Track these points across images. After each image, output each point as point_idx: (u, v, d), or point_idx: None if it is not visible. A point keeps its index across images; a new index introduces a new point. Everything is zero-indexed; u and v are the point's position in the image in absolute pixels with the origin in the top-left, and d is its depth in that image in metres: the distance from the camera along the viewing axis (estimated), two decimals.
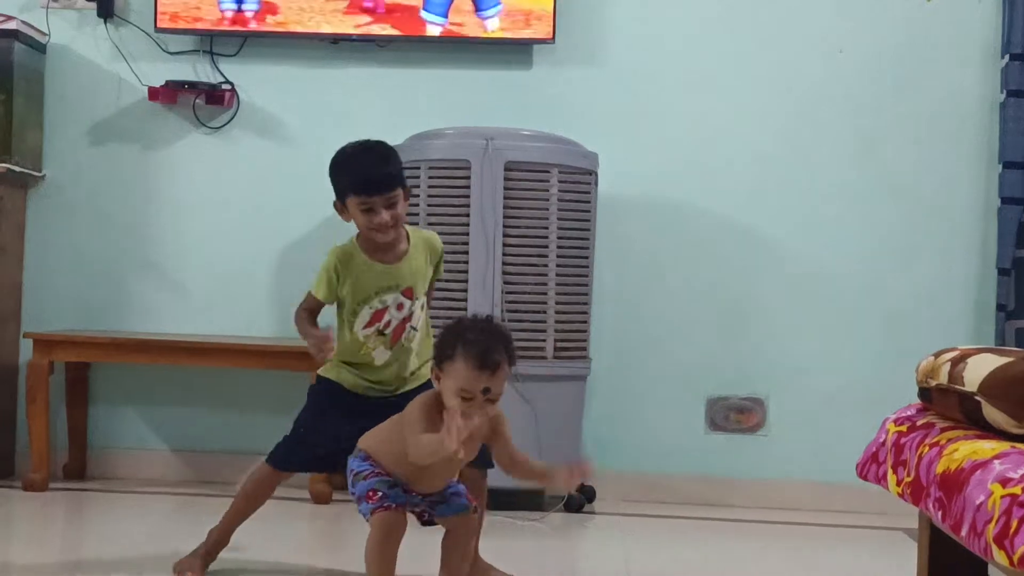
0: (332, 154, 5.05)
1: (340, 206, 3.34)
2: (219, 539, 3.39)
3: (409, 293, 3.34)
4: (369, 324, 3.32)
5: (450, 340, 2.86)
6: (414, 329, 3.36)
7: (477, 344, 2.83)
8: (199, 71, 5.09)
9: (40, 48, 5.01)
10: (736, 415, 5.00)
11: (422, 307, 3.39)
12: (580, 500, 4.66)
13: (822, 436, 4.93)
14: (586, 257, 4.67)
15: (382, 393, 3.36)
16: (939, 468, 1.52)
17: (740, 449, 4.99)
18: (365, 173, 3.29)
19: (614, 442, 4.98)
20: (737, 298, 5.01)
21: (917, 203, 4.99)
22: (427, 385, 3.27)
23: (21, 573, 3.53)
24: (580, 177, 4.64)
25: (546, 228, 4.56)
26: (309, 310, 3.37)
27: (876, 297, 4.98)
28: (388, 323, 3.32)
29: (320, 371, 3.41)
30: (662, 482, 4.97)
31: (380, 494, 2.98)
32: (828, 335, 4.98)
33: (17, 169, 4.84)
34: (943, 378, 1.66)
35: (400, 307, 3.33)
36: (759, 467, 4.97)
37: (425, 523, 3.08)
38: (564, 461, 4.44)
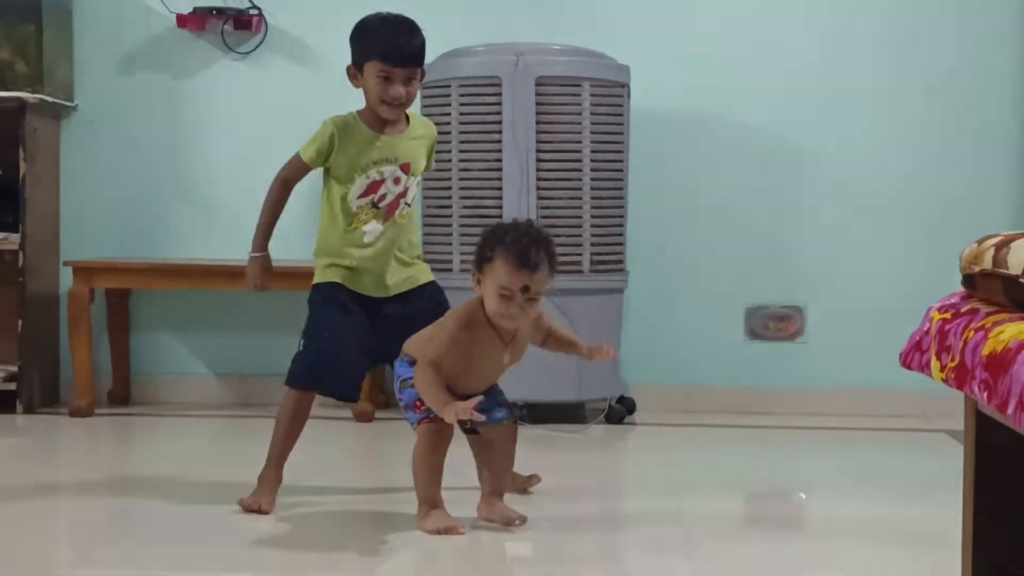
0: None
1: (354, 71, 3.28)
2: (274, 474, 3.29)
3: (407, 168, 3.30)
4: (364, 194, 3.27)
5: (490, 242, 2.89)
6: (408, 206, 3.32)
7: (517, 244, 2.86)
8: None
9: None
10: (775, 323, 5.00)
11: (417, 186, 3.35)
12: (620, 412, 4.68)
13: (861, 342, 4.93)
14: (620, 170, 4.66)
15: (376, 290, 3.30)
16: (985, 350, 1.52)
17: (779, 357, 4.99)
18: (396, 41, 3.25)
19: (653, 354, 4.99)
20: (774, 206, 5.00)
21: (953, 104, 4.95)
22: (426, 288, 3.34)
23: (73, 496, 3.58)
24: (612, 90, 4.62)
25: (579, 143, 4.54)
26: (285, 180, 3.32)
27: (914, 201, 4.95)
28: (383, 196, 3.27)
29: (313, 280, 3.33)
30: (702, 393, 4.98)
31: (427, 405, 3.00)
32: (866, 241, 4.97)
33: (50, 100, 4.85)
34: (987, 263, 1.66)
35: (397, 181, 3.28)
36: (799, 375, 4.98)
37: (468, 431, 3.10)
38: (601, 372, 4.50)
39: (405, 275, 3.36)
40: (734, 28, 4.99)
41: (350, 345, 3.26)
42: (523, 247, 2.86)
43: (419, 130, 3.37)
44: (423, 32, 3.32)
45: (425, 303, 3.33)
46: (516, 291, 2.86)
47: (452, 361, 2.95)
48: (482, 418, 2.90)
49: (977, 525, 1.78)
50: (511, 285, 2.86)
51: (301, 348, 3.30)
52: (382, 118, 3.29)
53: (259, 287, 3.37)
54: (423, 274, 3.40)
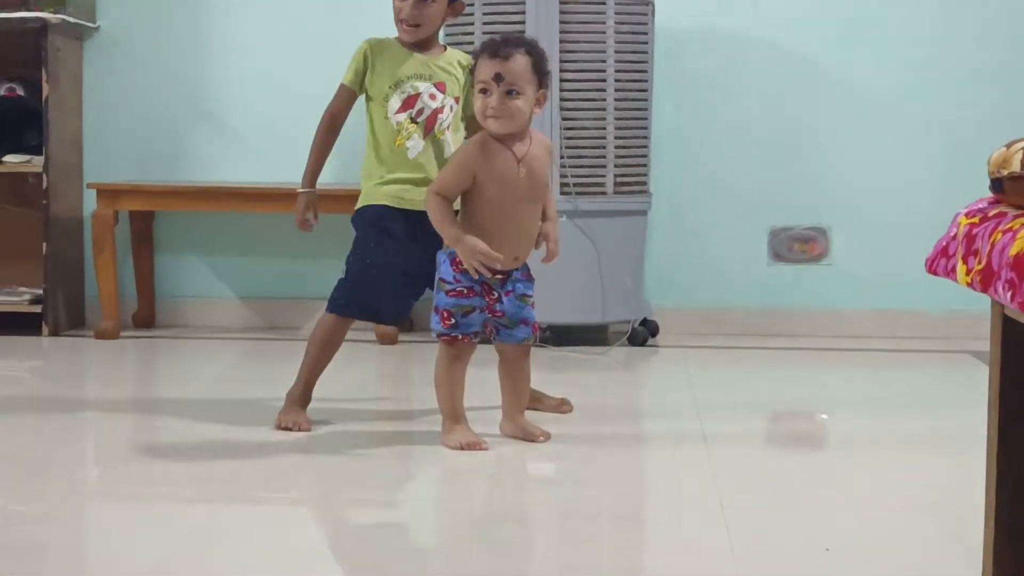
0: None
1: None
2: (303, 395, 3.32)
3: (441, 87, 3.30)
4: (402, 109, 3.27)
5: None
6: (447, 123, 3.31)
7: (491, 41, 3.03)
8: None
9: None
10: (799, 245, 4.98)
11: (454, 111, 3.32)
12: (643, 334, 4.67)
13: (886, 263, 4.91)
14: (644, 90, 4.62)
15: (423, 204, 3.23)
16: (1012, 251, 1.51)
17: (804, 279, 4.98)
18: None
19: (676, 277, 4.98)
20: (798, 127, 4.96)
21: (980, 24, 4.89)
22: None
23: (99, 416, 3.61)
24: (637, 8, 4.57)
25: (603, 61, 4.51)
26: (333, 116, 3.33)
27: (940, 123, 4.91)
28: (421, 111, 3.27)
29: (358, 204, 3.33)
30: (725, 315, 4.98)
31: (452, 321, 3.01)
32: (891, 162, 4.93)
33: (72, 20, 4.83)
34: (1016, 166, 1.64)
35: (432, 97, 3.28)
36: (823, 297, 4.97)
37: (483, 342, 3.12)
38: (624, 294, 4.50)
39: None
40: None
41: (395, 272, 3.25)
42: (495, 41, 3.02)
43: (455, 59, 3.36)
44: None
45: None
46: (490, 81, 2.96)
47: (481, 211, 3.00)
48: (492, 270, 2.98)
49: (1003, 428, 1.78)
50: (483, 75, 2.97)
51: (344, 275, 3.31)
52: (416, 43, 3.30)
53: (303, 224, 3.36)
54: None
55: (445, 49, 3.38)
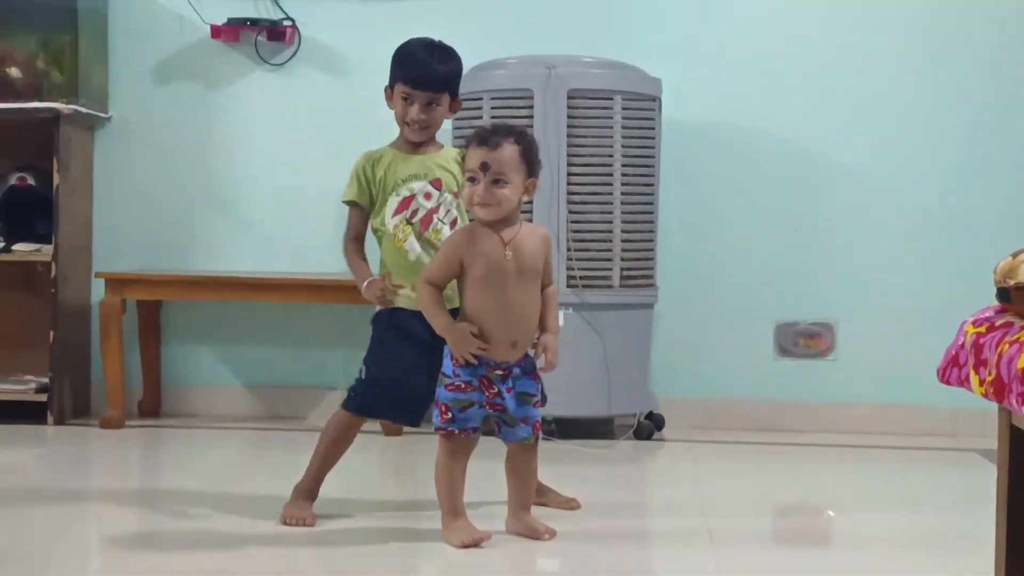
0: None
1: (388, 92, 3.35)
2: (311, 490, 3.31)
3: (438, 184, 3.31)
4: (397, 211, 3.29)
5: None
6: (442, 222, 3.31)
7: (481, 129, 3.05)
8: (260, 8, 5.10)
9: None
10: (805, 340, 4.98)
11: (452, 205, 3.32)
12: (649, 428, 4.66)
13: (893, 358, 4.90)
14: (651, 184, 4.65)
15: None
16: (1021, 363, 1.51)
17: (810, 374, 4.97)
18: (419, 65, 3.31)
19: (682, 369, 4.97)
20: (804, 221, 4.98)
21: (984, 118, 4.92)
22: None
23: (102, 507, 3.59)
24: (644, 103, 4.61)
25: (610, 155, 4.54)
26: (355, 238, 3.33)
27: (945, 216, 4.92)
28: (415, 212, 3.28)
29: (377, 307, 3.33)
30: (731, 409, 4.96)
31: (450, 415, 3.01)
32: (897, 256, 4.94)
33: (84, 110, 4.88)
34: (1022, 276, 1.64)
35: (428, 196, 3.29)
36: (829, 391, 4.95)
37: (486, 433, 3.10)
38: (630, 387, 4.49)
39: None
40: (765, 43, 4.98)
41: (414, 373, 3.23)
42: (485, 130, 3.04)
43: (451, 155, 3.37)
44: (458, 61, 3.37)
45: None
46: (477, 169, 2.98)
47: (473, 296, 3.01)
48: (479, 354, 2.99)
49: (1011, 538, 1.77)
50: (471, 163, 3.00)
51: (362, 375, 3.30)
52: (412, 143, 3.34)
53: (383, 298, 3.25)
54: None
55: (442, 147, 3.40)
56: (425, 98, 3.28)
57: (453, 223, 3.31)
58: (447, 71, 3.33)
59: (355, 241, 3.35)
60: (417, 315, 3.20)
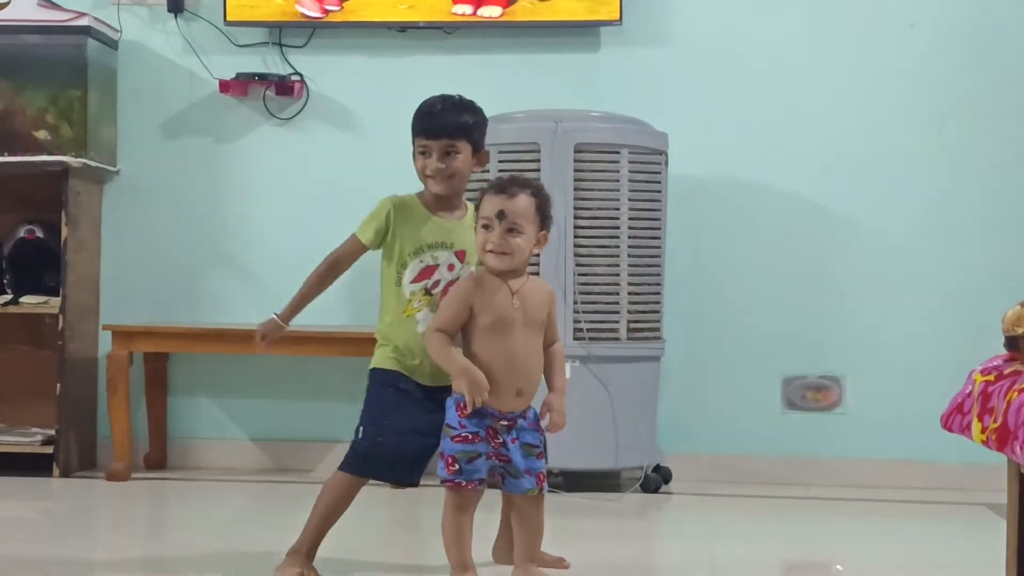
0: (401, 142, 5.07)
1: (414, 152, 3.27)
2: (309, 552, 3.23)
3: (462, 255, 3.23)
4: (417, 279, 3.20)
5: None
6: None
7: (498, 180, 3.08)
8: (268, 63, 5.13)
9: (112, 44, 5.07)
10: (812, 394, 4.97)
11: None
12: (656, 481, 4.65)
13: (901, 413, 4.89)
14: (658, 238, 4.66)
15: (433, 379, 3.20)
16: None
17: (817, 428, 4.96)
18: (430, 115, 3.24)
19: (689, 423, 4.96)
20: (811, 276, 4.98)
21: (992, 176, 4.93)
22: None
23: (108, 563, 3.58)
24: (650, 157, 4.63)
25: (617, 209, 4.55)
26: (335, 261, 3.26)
27: (953, 272, 4.93)
28: (437, 283, 3.20)
29: (372, 365, 3.26)
30: (738, 463, 4.95)
31: (457, 467, 3.00)
32: (904, 311, 4.94)
33: (93, 164, 4.91)
34: None
35: (451, 267, 3.22)
36: (837, 446, 4.94)
37: (491, 486, 3.09)
38: (637, 440, 4.48)
39: None
40: (772, 97, 5.00)
41: (411, 432, 3.17)
42: (502, 180, 3.07)
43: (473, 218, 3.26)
44: (478, 112, 3.28)
45: None
46: (492, 217, 3.00)
47: (479, 344, 3.01)
48: (498, 415, 2.99)
49: None
50: (487, 211, 3.02)
51: (359, 436, 3.21)
52: (438, 202, 3.24)
53: (265, 346, 3.31)
54: None
55: (467, 209, 3.29)
56: (440, 147, 3.19)
57: None
58: (461, 119, 3.23)
59: (332, 266, 3.27)
60: (416, 383, 3.18)
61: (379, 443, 3.18)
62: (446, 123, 3.22)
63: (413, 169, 5.19)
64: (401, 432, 3.18)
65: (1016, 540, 1.75)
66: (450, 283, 3.20)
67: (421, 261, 3.21)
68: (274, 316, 3.32)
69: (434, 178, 3.22)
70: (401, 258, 3.21)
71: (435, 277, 3.21)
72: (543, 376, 3.12)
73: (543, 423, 3.09)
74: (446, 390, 3.10)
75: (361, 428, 3.22)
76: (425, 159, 3.22)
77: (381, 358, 3.26)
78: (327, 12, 5.01)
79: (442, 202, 3.25)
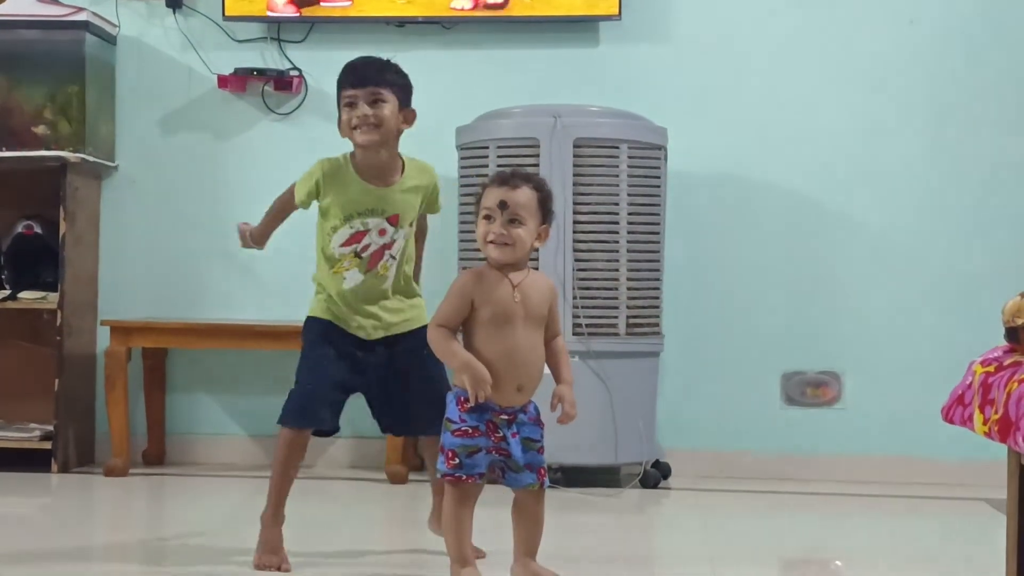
0: (400, 137, 5.10)
1: (339, 121, 3.30)
2: (275, 515, 3.32)
3: (394, 220, 3.29)
4: (347, 243, 3.27)
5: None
6: (393, 258, 3.31)
7: (500, 172, 3.07)
8: (267, 58, 5.13)
9: (111, 40, 5.07)
10: (812, 389, 4.97)
11: (406, 237, 3.33)
12: (655, 476, 4.64)
13: (900, 409, 4.89)
14: (657, 233, 4.65)
15: (363, 333, 3.32)
16: None
17: (817, 424, 4.95)
18: (354, 68, 3.30)
19: (689, 419, 4.96)
20: (810, 272, 4.98)
21: (991, 172, 4.93)
22: (419, 332, 3.26)
23: (106, 558, 3.57)
24: (649, 152, 4.62)
25: (616, 204, 4.55)
26: (282, 207, 3.40)
27: (952, 268, 4.92)
28: (367, 247, 3.27)
29: (309, 312, 3.36)
30: (737, 458, 4.95)
31: (457, 461, 2.99)
32: (904, 307, 4.94)
33: (91, 159, 4.90)
34: None
35: (382, 232, 3.28)
36: (836, 442, 4.94)
37: (492, 482, 3.10)
38: (636, 436, 4.48)
39: (399, 318, 3.36)
40: (771, 93, 5.00)
41: (338, 386, 3.30)
42: (505, 173, 3.05)
43: (413, 180, 3.34)
44: (403, 74, 3.35)
45: (415, 341, 3.30)
46: (494, 208, 2.98)
47: (480, 338, 3.00)
48: (498, 409, 2.99)
49: None
50: (488, 202, 2.99)
51: (295, 387, 3.32)
52: (369, 162, 3.27)
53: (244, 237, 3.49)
54: (420, 317, 3.39)
55: (403, 167, 3.32)
56: (367, 94, 3.23)
57: (397, 258, 3.32)
58: (385, 71, 3.29)
59: (283, 207, 3.42)
60: (347, 334, 3.30)
61: (306, 392, 3.28)
62: (372, 73, 3.28)
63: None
64: (325, 380, 3.28)
65: (1016, 532, 1.75)
66: (381, 247, 3.29)
67: (351, 227, 3.27)
68: (248, 231, 3.48)
69: (360, 128, 3.24)
70: (332, 221, 3.28)
71: (365, 242, 3.28)
72: (548, 370, 3.12)
73: (555, 415, 3.08)
74: (381, 343, 3.30)
75: (295, 380, 3.32)
76: (351, 110, 3.24)
77: (317, 306, 3.35)
78: (300, 10, 5.00)
79: (372, 162, 3.27)
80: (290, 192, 3.38)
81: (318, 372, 3.28)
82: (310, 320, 3.35)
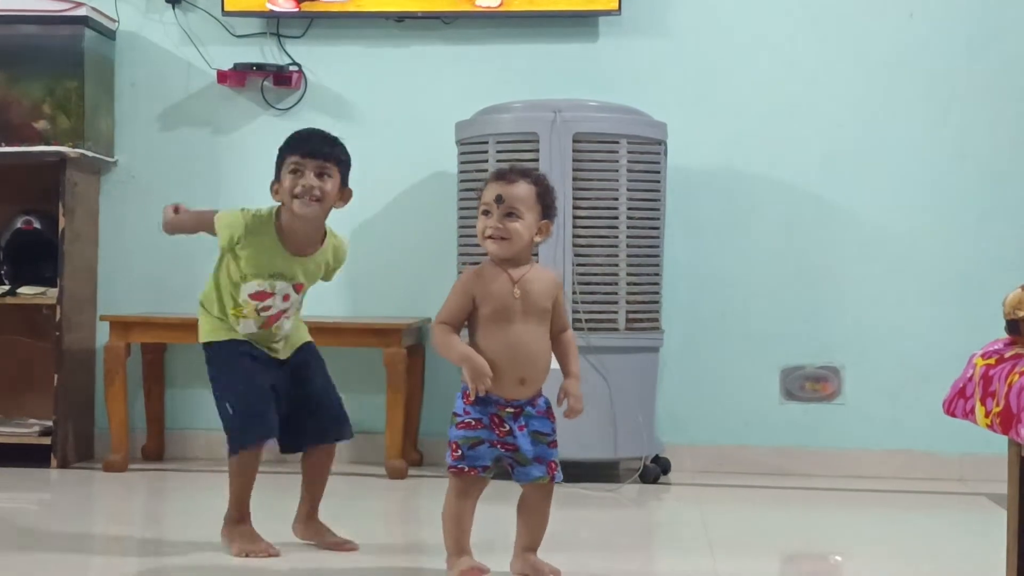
0: (400, 133, 5.10)
1: (276, 185, 3.33)
2: (240, 516, 3.41)
3: (299, 288, 3.37)
4: (253, 297, 3.32)
5: None
6: (288, 319, 3.39)
7: (502, 167, 3.10)
8: (266, 53, 5.13)
9: (110, 35, 5.06)
10: (811, 384, 4.97)
11: (303, 300, 3.42)
12: (655, 471, 4.64)
13: (900, 403, 4.88)
14: (656, 228, 4.65)
15: (270, 352, 3.40)
16: None
17: (816, 418, 4.95)
18: (308, 137, 3.34)
19: (688, 414, 4.96)
20: (810, 266, 4.97)
21: (991, 166, 4.92)
22: (306, 348, 3.44)
23: (105, 553, 3.57)
24: (649, 147, 4.62)
25: (616, 199, 4.54)
26: (198, 228, 3.44)
27: (952, 262, 4.92)
28: (268, 307, 3.33)
29: (208, 338, 3.39)
30: (737, 453, 4.95)
31: (460, 453, 3.00)
32: (903, 302, 4.93)
33: (90, 155, 4.90)
34: None
35: (286, 298, 3.35)
36: (836, 436, 4.93)
37: (496, 476, 3.10)
38: (635, 431, 4.48)
39: (290, 343, 3.45)
40: (771, 87, 4.99)
41: (271, 391, 3.34)
42: (504, 169, 3.08)
43: (327, 255, 3.40)
44: (348, 152, 3.38)
45: (305, 355, 3.46)
46: (491, 203, 3.00)
47: (481, 334, 3.01)
48: (503, 402, 2.99)
49: (1021, 573, 1.75)
50: (486, 197, 3.02)
51: (232, 413, 3.34)
52: (294, 230, 3.31)
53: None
54: (305, 336, 3.50)
55: (324, 240, 3.38)
56: (315, 166, 3.27)
57: (289, 318, 3.40)
58: (336, 149, 3.34)
59: (189, 225, 3.47)
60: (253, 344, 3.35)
61: (248, 408, 3.31)
62: (324, 146, 3.32)
63: (412, 159, 5.20)
64: (262, 389, 3.32)
65: (1017, 526, 1.75)
66: (280, 312, 3.34)
67: (259, 284, 3.31)
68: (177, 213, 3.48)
69: (303, 198, 3.27)
70: (244, 271, 3.31)
71: (268, 303, 3.34)
72: (557, 363, 3.12)
73: (561, 409, 3.08)
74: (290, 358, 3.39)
75: (225, 404, 3.34)
76: (297, 178, 3.28)
77: (216, 330, 3.38)
78: (299, 5, 5.00)
79: (298, 231, 3.32)
80: (211, 224, 3.36)
81: (245, 385, 3.33)
82: (216, 345, 3.37)
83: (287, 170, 3.29)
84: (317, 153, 3.29)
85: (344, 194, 3.35)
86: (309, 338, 3.50)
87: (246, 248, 3.29)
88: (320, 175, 3.27)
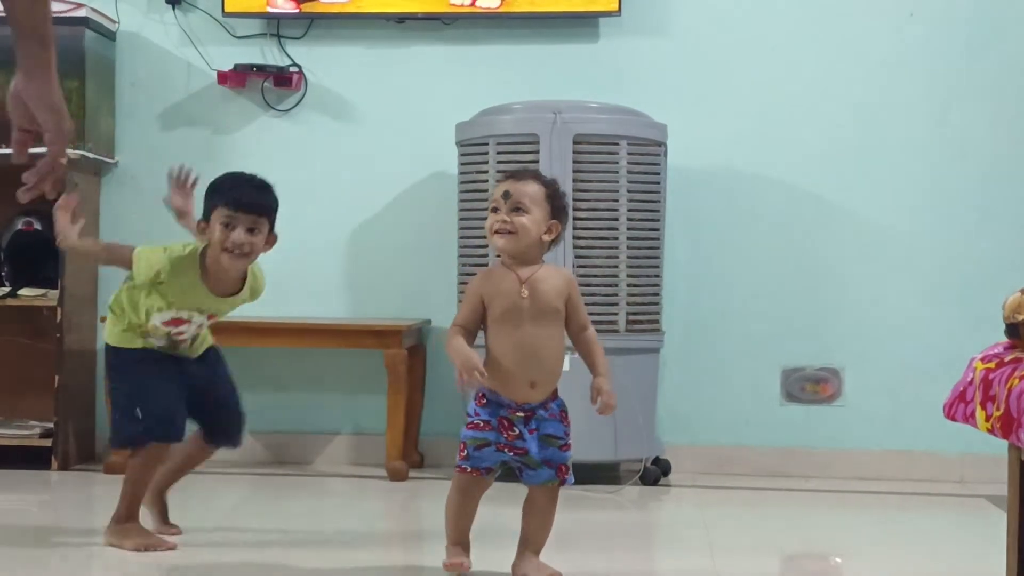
0: (400, 134, 5.10)
1: (203, 224, 3.32)
2: (128, 515, 3.43)
3: (212, 317, 3.43)
4: (167, 323, 3.36)
5: None
6: (195, 338, 3.46)
7: (511, 170, 3.15)
8: (267, 54, 5.12)
9: (110, 35, 5.06)
10: (812, 385, 4.97)
11: (207, 325, 3.48)
12: (656, 473, 4.64)
13: (900, 405, 4.88)
14: (657, 229, 4.65)
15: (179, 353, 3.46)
16: None
17: (817, 420, 4.95)
18: (242, 190, 3.32)
19: (689, 415, 4.96)
20: (810, 267, 4.97)
21: (992, 166, 4.92)
22: (210, 352, 3.52)
23: (106, 554, 3.57)
24: (649, 148, 4.62)
25: (616, 200, 4.54)
26: (109, 261, 3.56)
27: (952, 264, 4.92)
28: (181, 333, 3.39)
29: (113, 343, 3.42)
30: (738, 454, 4.95)
31: (465, 453, 3.00)
32: (904, 303, 4.93)
33: (91, 155, 4.90)
34: None
35: (200, 326, 3.42)
36: (836, 437, 4.93)
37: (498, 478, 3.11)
38: (636, 432, 4.48)
39: (194, 348, 3.50)
40: (771, 87, 4.99)
41: (175, 383, 3.39)
42: (514, 170, 3.13)
43: (245, 295, 3.42)
44: (276, 197, 3.38)
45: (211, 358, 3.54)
46: (499, 199, 3.01)
47: (492, 335, 3.01)
48: (514, 406, 3.00)
49: (1021, 574, 1.75)
50: (496, 194, 3.04)
51: (120, 413, 3.41)
52: (221, 279, 3.34)
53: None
54: (209, 340, 3.56)
55: (244, 280, 3.39)
56: (248, 221, 3.27)
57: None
58: (270, 201, 3.34)
59: (99, 256, 3.62)
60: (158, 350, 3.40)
61: (149, 417, 3.35)
62: (259, 200, 3.32)
63: (412, 160, 5.20)
64: (164, 384, 3.37)
65: (1016, 528, 1.75)
66: (190, 336, 3.42)
67: (175, 313, 3.35)
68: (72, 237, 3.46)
69: (232, 253, 3.28)
70: (158, 302, 3.33)
71: (181, 328, 3.39)
72: (567, 365, 3.11)
73: (595, 408, 3.07)
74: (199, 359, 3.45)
75: (120, 404, 3.42)
76: (228, 231, 3.27)
77: (122, 338, 3.41)
78: (300, 6, 5.00)
79: (223, 277, 3.35)
80: (128, 256, 3.36)
81: (145, 382, 3.37)
82: (120, 352, 3.41)
83: (218, 220, 3.27)
84: (251, 207, 3.28)
85: (270, 240, 3.37)
86: (212, 342, 3.57)
87: (169, 287, 3.32)
88: (250, 230, 3.27)
